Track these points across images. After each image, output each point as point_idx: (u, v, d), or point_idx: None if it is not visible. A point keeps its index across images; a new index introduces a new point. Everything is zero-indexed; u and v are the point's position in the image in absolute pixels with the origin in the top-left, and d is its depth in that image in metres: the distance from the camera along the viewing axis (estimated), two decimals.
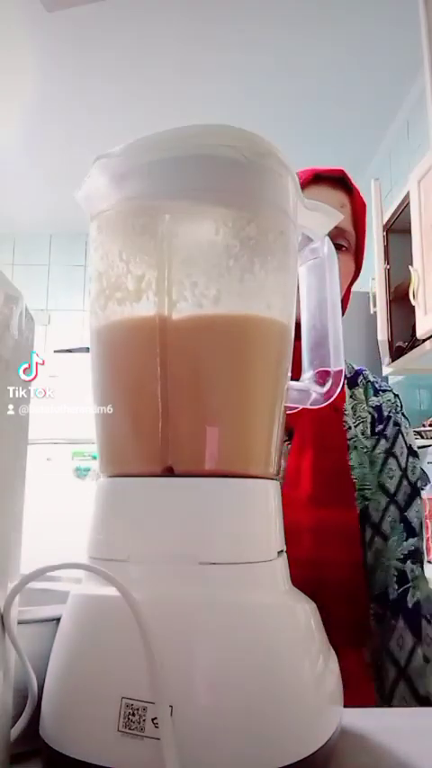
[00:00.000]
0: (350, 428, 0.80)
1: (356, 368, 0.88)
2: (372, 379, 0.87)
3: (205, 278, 0.41)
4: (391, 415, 0.83)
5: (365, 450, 0.80)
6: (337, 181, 0.81)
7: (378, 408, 0.83)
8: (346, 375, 0.85)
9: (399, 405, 0.85)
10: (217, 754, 0.33)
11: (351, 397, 0.84)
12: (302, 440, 0.76)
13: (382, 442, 0.81)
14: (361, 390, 0.85)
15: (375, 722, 0.48)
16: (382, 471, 0.80)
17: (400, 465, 0.81)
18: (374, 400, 0.84)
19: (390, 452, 0.81)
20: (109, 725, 0.34)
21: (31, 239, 3.85)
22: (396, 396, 0.86)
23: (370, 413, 0.82)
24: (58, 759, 0.35)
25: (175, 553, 0.38)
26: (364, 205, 0.84)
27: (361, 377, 0.86)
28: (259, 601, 0.38)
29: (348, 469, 0.77)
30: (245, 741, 0.34)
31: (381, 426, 0.82)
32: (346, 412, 0.81)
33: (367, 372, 0.88)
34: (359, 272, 0.84)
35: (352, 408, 0.82)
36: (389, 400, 0.85)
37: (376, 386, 0.86)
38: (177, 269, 0.41)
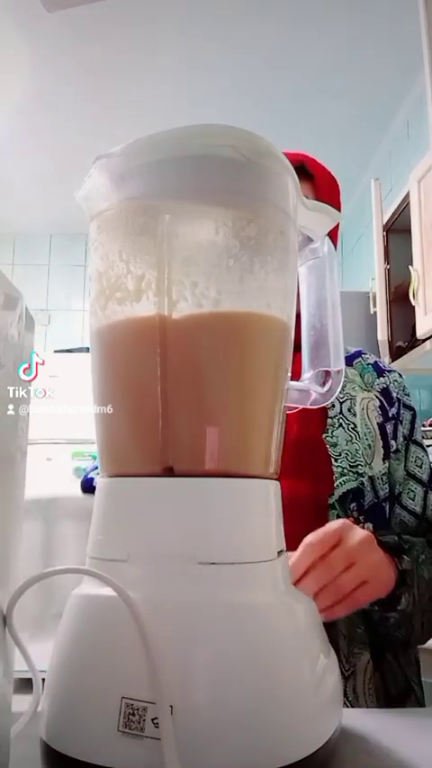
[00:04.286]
0: (333, 406, 0.78)
1: (354, 350, 0.86)
2: (372, 360, 0.85)
3: (205, 278, 0.41)
4: (400, 397, 0.82)
5: (353, 426, 0.78)
6: (297, 170, 0.79)
7: (385, 391, 0.82)
8: None
9: (405, 387, 0.84)
10: (217, 755, 0.33)
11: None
12: None
13: (400, 427, 0.80)
14: (355, 372, 0.83)
15: (375, 722, 0.48)
16: (408, 459, 0.80)
17: (426, 450, 0.81)
18: (381, 382, 0.82)
19: (411, 439, 0.81)
20: (109, 725, 0.34)
21: (31, 239, 3.85)
22: (401, 375, 0.85)
23: (377, 396, 0.81)
24: (58, 759, 0.35)
25: (175, 553, 0.38)
26: (334, 186, 0.81)
27: (359, 359, 0.85)
28: (259, 601, 0.38)
29: (322, 444, 0.76)
30: (245, 741, 0.34)
31: (393, 410, 0.81)
32: None
33: (367, 355, 0.86)
34: None
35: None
36: (395, 381, 0.84)
37: (380, 365, 0.85)
38: (177, 269, 0.41)
